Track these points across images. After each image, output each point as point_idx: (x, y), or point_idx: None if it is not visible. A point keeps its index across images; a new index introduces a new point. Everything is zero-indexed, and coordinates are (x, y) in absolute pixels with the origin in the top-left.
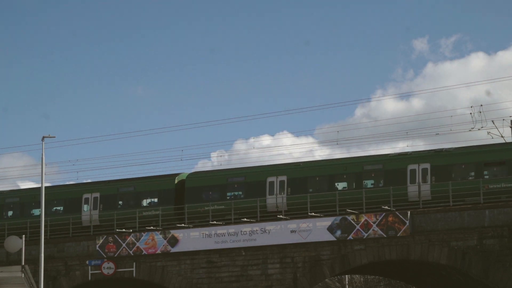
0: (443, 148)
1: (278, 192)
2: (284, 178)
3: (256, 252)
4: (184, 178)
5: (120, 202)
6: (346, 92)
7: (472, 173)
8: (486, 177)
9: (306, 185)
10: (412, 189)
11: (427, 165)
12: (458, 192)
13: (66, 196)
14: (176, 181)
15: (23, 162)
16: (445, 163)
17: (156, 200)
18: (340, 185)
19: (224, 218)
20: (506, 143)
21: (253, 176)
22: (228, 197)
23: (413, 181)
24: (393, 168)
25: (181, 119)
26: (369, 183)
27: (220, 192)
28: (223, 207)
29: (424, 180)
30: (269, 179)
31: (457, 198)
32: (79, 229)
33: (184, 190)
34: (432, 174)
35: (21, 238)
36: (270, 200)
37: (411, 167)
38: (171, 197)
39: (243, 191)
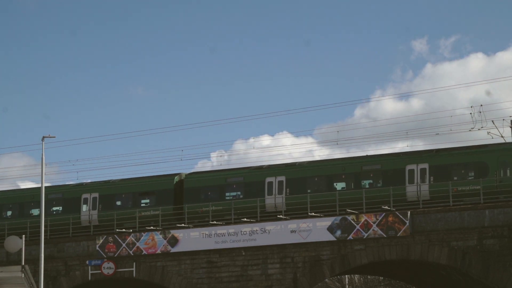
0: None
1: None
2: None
3: (256, 252)
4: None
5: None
6: (345, 92)
7: (130, 201)
8: (144, 205)
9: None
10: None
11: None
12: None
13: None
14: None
15: (23, 162)
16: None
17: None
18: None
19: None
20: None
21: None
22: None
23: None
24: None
25: (181, 119)
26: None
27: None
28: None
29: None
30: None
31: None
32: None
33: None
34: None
35: (21, 238)
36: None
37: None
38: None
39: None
